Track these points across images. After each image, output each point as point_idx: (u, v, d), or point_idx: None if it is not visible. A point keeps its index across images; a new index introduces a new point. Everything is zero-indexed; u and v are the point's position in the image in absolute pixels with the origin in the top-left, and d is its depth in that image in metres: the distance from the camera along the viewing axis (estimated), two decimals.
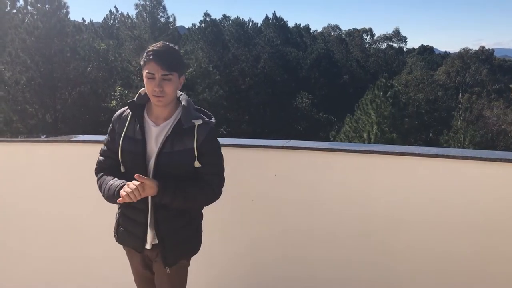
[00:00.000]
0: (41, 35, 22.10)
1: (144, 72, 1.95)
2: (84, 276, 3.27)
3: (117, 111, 2.16)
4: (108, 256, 2.96)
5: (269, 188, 3.00)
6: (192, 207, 2.08)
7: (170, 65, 1.94)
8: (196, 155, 1.99)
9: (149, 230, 2.03)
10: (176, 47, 2.02)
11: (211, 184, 2.04)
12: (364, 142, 26.03)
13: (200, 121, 2.01)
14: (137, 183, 1.85)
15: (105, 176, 2.04)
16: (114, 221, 2.18)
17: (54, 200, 3.23)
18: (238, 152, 3.06)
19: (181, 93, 2.12)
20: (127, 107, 2.08)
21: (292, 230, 2.95)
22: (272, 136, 33.22)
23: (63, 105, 24.02)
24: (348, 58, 52.70)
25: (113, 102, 26.37)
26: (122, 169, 2.04)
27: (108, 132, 2.12)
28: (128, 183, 1.88)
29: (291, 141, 3.08)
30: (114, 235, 2.16)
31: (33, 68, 22.05)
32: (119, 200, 1.86)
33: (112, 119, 2.10)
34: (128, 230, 2.09)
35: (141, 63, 1.99)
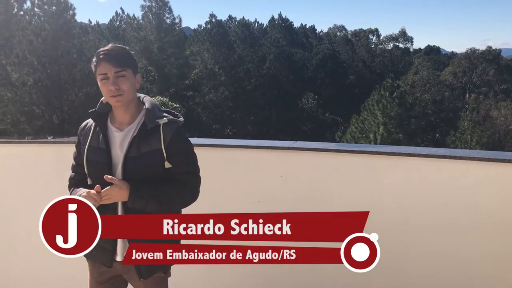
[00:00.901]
0: (48, 36, 22.20)
1: (98, 76, 1.90)
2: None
3: None
4: None
5: (275, 189, 3.00)
6: (168, 210, 1.94)
7: (121, 62, 1.90)
8: (165, 155, 1.92)
9: (119, 241, 1.95)
10: (127, 48, 1.99)
11: (187, 184, 1.97)
12: (370, 143, 25.96)
13: (165, 120, 1.95)
14: (93, 192, 1.80)
15: (73, 190, 2.00)
16: None
17: None
18: (245, 153, 3.06)
19: (144, 95, 2.07)
20: (90, 119, 2.03)
21: None
22: (277, 137, 33.19)
23: (69, 106, 24.12)
24: (354, 59, 52.57)
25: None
26: (89, 181, 1.97)
27: (75, 146, 2.08)
28: (85, 192, 1.83)
29: (298, 142, 3.08)
30: None
31: (40, 69, 22.16)
32: None
33: (77, 132, 2.06)
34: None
35: (93, 69, 1.93)
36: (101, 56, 1.89)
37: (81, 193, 1.87)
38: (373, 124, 27.10)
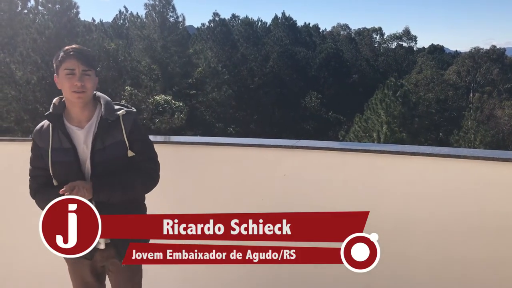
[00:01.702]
0: (51, 35, 22.23)
1: (62, 71, 1.97)
2: None
3: None
4: None
5: (278, 187, 2.99)
6: (133, 196, 2.09)
7: (89, 62, 2.00)
8: (127, 145, 2.04)
9: None
10: (90, 50, 2.09)
11: (148, 170, 2.09)
12: (373, 142, 25.91)
13: (123, 112, 2.06)
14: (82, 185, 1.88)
15: (45, 194, 2.02)
16: None
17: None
18: (248, 151, 3.06)
19: (95, 91, 2.14)
20: (44, 121, 2.07)
21: None
22: (281, 136, 33.18)
23: None
24: (357, 58, 52.42)
25: (123, 102, 26.50)
26: (55, 183, 2.02)
27: (31, 150, 2.10)
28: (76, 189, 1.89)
29: (301, 140, 3.07)
30: None
31: (43, 67, 22.19)
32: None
33: (33, 136, 2.10)
34: None
35: (56, 64, 2.00)
36: (71, 52, 1.97)
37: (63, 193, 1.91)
38: (377, 123, 27.04)
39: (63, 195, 1.87)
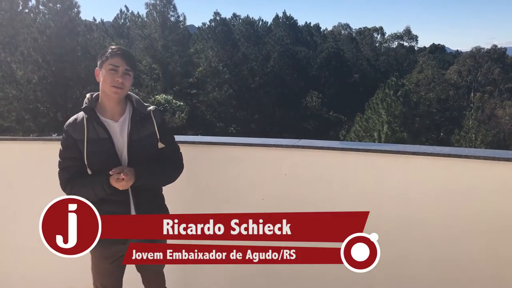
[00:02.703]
0: (52, 34, 22.20)
1: (106, 66, 2.14)
2: None
3: None
4: None
5: (279, 187, 2.99)
6: (164, 184, 2.34)
7: (132, 63, 2.20)
8: (158, 137, 2.25)
9: (133, 210, 2.21)
10: None
11: (175, 160, 2.34)
12: (374, 142, 25.88)
13: (153, 107, 2.29)
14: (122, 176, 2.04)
15: (77, 185, 2.13)
16: None
17: None
18: (249, 151, 3.06)
19: None
20: (77, 115, 2.22)
21: None
22: (281, 135, 33.17)
23: (74, 104, 24.09)
24: (358, 57, 52.37)
25: None
26: (89, 171, 2.14)
27: (62, 143, 2.19)
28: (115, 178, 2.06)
29: (302, 140, 3.06)
30: None
31: (44, 67, 22.18)
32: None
33: (66, 129, 2.19)
34: None
35: (102, 59, 2.17)
36: (119, 52, 2.17)
37: (101, 180, 2.07)
38: (377, 123, 27.01)
39: (103, 178, 2.06)
